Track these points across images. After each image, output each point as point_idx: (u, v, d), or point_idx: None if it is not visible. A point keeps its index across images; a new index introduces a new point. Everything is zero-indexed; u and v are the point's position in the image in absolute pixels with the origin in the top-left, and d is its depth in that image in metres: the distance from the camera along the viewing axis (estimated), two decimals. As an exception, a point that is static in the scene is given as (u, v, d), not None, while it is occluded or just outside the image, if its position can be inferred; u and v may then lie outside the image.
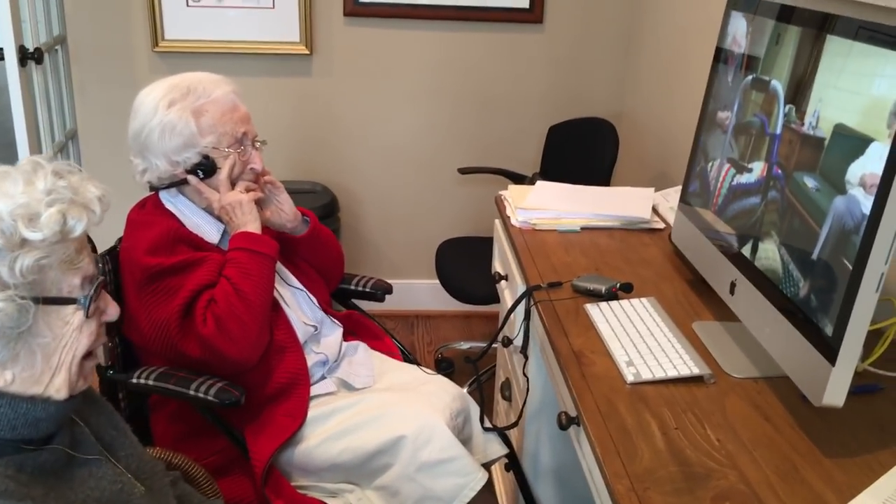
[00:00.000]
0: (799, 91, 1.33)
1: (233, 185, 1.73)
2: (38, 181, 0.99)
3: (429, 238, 3.33)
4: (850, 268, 1.11)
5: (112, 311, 1.09)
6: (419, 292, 3.55)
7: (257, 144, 1.78)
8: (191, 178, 1.71)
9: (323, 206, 3.14)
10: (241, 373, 1.67)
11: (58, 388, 1.01)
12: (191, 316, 1.62)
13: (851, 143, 1.16)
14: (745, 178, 1.51)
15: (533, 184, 2.28)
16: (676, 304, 1.64)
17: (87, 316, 1.02)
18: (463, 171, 3.22)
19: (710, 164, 1.67)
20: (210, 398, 1.59)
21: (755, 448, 1.19)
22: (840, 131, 1.20)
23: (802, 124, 1.31)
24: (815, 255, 1.22)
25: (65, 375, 1.01)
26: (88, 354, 1.05)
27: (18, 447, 0.99)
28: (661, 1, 2.98)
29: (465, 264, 2.93)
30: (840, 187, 1.17)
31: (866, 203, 1.10)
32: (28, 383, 0.99)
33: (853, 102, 1.18)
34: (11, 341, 0.95)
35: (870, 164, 1.10)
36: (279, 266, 1.84)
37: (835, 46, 1.24)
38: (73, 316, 1.01)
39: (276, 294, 1.78)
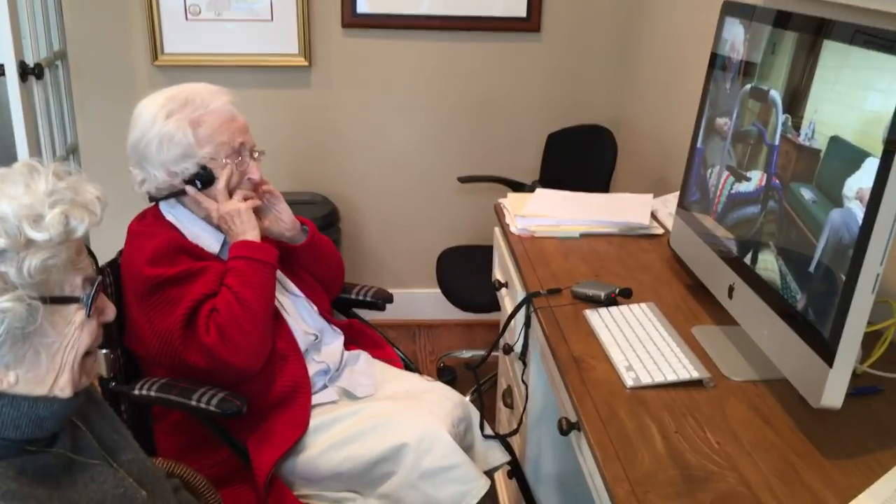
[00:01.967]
0: (795, 101, 1.34)
1: (231, 194, 1.75)
2: (38, 183, 1.00)
3: (429, 247, 3.34)
4: (845, 279, 1.13)
5: (110, 312, 1.10)
6: (420, 301, 3.55)
7: (255, 154, 1.79)
8: (189, 188, 1.72)
9: (323, 217, 3.15)
10: (242, 381, 1.68)
11: (62, 388, 1.02)
12: (193, 326, 1.63)
13: (847, 156, 1.16)
14: (743, 187, 1.51)
15: (532, 191, 2.29)
16: (675, 309, 1.64)
17: (88, 315, 1.04)
18: (462, 179, 3.23)
19: (709, 170, 1.68)
20: (212, 408, 1.60)
21: (755, 450, 1.19)
22: (835, 144, 1.21)
23: (799, 135, 1.32)
24: (812, 268, 1.23)
25: (68, 374, 1.03)
26: (88, 353, 1.06)
27: (21, 449, 1.00)
28: (658, 7, 2.99)
29: (465, 273, 2.93)
30: (837, 200, 1.18)
31: (863, 216, 1.10)
32: (33, 384, 1.00)
33: (848, 116, 1.19)
34: (18, 341, 0.96)
35: (866, 179, 1.11)
36: (279, 274, 1.85)
37: (830, 59, 1.25)
38: (75, 315, 1.02)
39: (276, 302, 1.79)
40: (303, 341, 1.80)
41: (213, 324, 1.62)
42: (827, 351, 1.14)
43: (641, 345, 1.47)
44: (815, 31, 1.28)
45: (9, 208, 0.96)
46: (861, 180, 1.12)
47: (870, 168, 1.10)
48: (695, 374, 1.37)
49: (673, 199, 2.08)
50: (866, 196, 1.10)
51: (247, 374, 1.66)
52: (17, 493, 0.95)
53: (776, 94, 1.41)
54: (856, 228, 1.11)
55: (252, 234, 1.73)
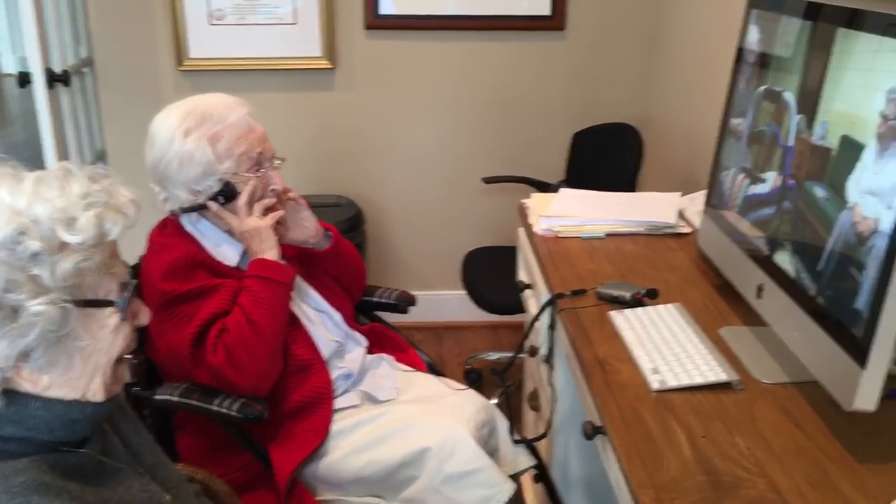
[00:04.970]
0: (809, 102, 1.33)
1: (253, 205, 1.72)
2: (73, 185, 1.00)
3: (455, 248, 3.32)
4: (859, 277, 1.12)
5: (144, 317, 1.10)
6: (446, 303, 3.53)
7: (276, 163, 1.76)
8: (211, 204, 1.70)
9: (348, 219, 3.15)
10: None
11: (95, 392, 1.02)
12: (202, 344, 1.62)
13: (856, 153, 1.17)
14: (759, 189, 1.49)
15: (557, 191, 2.26)
16: (703, 310, 1.61)
17: (122, 319, 1.03)
18: (487, 180, 3.20)
19: (724, 172, 1.66)
20: (233, 413, 1.59)
21: (785, 455, 1.16)
22: (846, 142, 1.21)
23: (812, 134, 1.30)
24: (823, 265, 1.23)
25: (100, 379, 1.02)
26: (120, 359, 1.06)
27: (53, 447, 1.00)
28: (684, 2, 2.95)
29: (491, 274, 2.91)
30: (845, 198, 1.18)
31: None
32: (66, 388, 1.00)
33: (856, 113, 1.19)
34: (52, 345, 0.96)
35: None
36: (302, 283, 1.84)
37: (842, 59, 1.24)
38: (109, 319, 1.02)
39: (299, 312, 1.78)
40: (326, 349, 1.79)
41: (222, 344, 1.60)
42: (859, 352, 1.10)
43: (668, 347, 1.43)
44: (845, 23, 1.25)
45: (43, 211, 0.95)
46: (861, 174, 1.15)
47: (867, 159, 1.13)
48: (723, 377, 1.33)
49: (701, 197, 2.04)
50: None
51: (252, 395, 1.64)
52: (51, 486, 0.95)
53: (790, 95, 1.40)
54: (861, 227, 1.12)
55: (271, 252, 1.71)
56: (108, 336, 1.02)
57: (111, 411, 1.11)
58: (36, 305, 0.92)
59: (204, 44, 3.12)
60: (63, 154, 2.78)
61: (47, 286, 0.93)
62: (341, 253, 1.92)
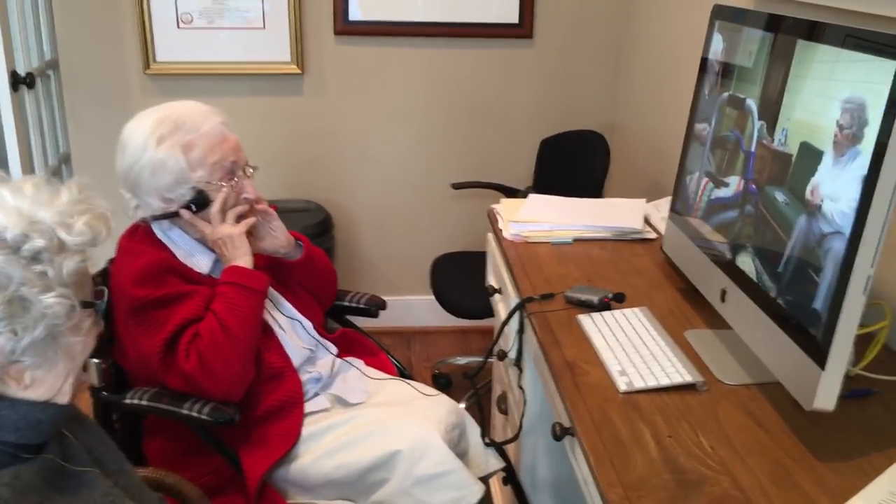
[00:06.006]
0: (770, 109, 1.37)
1: (226, 213, 1.72)
2: (63, 193, 1.04)
3: (424, 254, 3.33)
4: (817, 280, 1.16)
5: (101, 323, 1.13)
6: (415, 308, 3.55)
7: (248, 171, 1.76)
8: (183, 212, 1.69)
9: (317, 224, 3.15)
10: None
11: (64, 394, 1.04)
12: (174, 350, 1.61)
13: (814, 159, 1.21)
14: (722, 193, 1.53)
15: (526, 197, 2.29)
16: (668, 313, 1.64)
17: (95, 322, 1.07)
18: (456, 186, 3.22)
19: (689, 177, 1.70)
20: (204, 417, 1.59)
21: (748, 454, 1.19)
22: (805, 148, 1.25)
23: (773, 140, 1.34)
24: (782, 267, 1.27)
25: (72, 380, 1.05)
26: (85, 362, 1.08)
27: (14, 455, 1.00)
28: (651, 12, 3.00)
29: (460, 279, 2.93)
30: (804, 202, 1.22)
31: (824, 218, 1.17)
32: (43, 388, 1.01)
33: (814, 121, 1.23)
34: (49, 342, 0.99)
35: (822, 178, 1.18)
36: (274, 292, 1.84)
37: (801, 69, 1.29)
38: (88, 320, 1.05)
39: (270, 319, 1.78)
40: (297, 357, 1.79)
41: (194, 350, 1.60)
42: (819, 353, 1.14)
43: (635, 349, 1.46)
44: (805, 35, 1.29)
45: (45, 214, 1.00)
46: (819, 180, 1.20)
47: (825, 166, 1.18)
48: (688, 378, 1.36)
49: (665, 203, 2.07)
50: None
51: (225, 401, 1.63)
52: (9, 501, 0.95)
53: (752, 102, 1.44)
54: (818, 231, 1.17)
55: (244, 259, 1.71)
56: (85, 338, 1.05)
57: (70, 416, 1.12)
58: (48, 298, 0.96)
59: (172, 47, 3.10)
60: (27, 156, 2.74)
61: (52, 283, 0.97)
62: (313, 263, 1.92)
